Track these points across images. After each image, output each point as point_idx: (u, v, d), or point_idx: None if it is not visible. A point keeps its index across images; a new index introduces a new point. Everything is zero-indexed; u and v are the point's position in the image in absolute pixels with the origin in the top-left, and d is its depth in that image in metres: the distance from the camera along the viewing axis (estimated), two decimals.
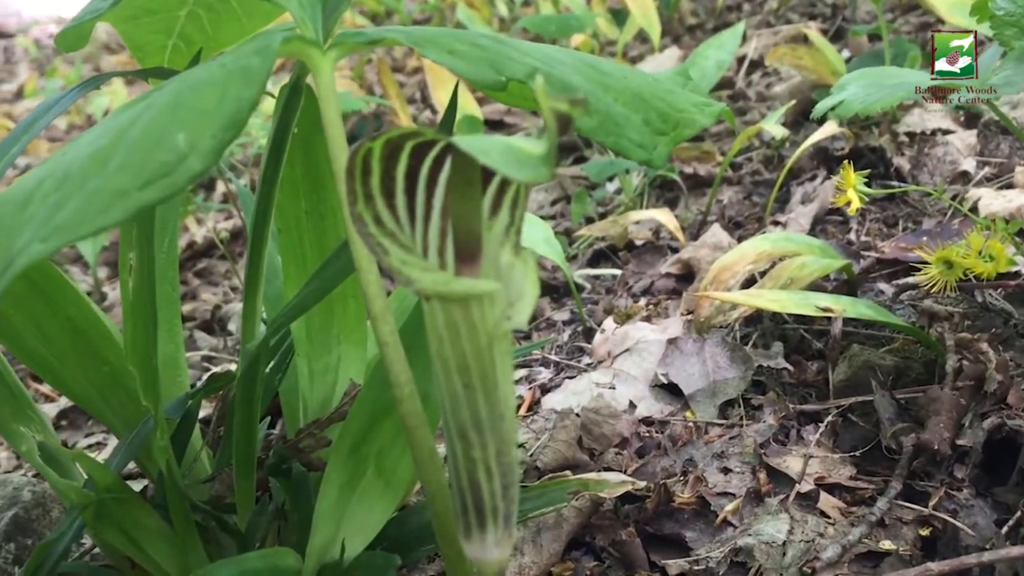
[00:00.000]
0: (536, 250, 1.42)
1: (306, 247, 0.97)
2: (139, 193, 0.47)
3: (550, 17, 2.82)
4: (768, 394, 1.24)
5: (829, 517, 0.99)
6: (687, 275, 1.68)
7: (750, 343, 1.36)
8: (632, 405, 1.30)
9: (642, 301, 1.64)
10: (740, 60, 2.70)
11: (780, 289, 1.27)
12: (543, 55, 0.66)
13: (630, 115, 0.63)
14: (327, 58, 0.64)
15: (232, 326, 2.05)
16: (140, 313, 0.79)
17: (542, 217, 1.91)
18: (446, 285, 0.51)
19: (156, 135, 0.49)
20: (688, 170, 2.13)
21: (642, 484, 1.06)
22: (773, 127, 1.92)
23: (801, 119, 2.15)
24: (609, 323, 1.54)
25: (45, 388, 1.84)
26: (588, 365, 1.47)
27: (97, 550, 1.08)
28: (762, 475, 1.07)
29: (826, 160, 1.95)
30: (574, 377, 1.42)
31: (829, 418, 1.15)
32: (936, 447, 0.99)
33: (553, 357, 1.53)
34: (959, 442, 1.01)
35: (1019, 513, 0.92)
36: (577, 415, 1.22)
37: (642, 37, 3.18)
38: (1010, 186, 1.58)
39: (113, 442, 1.55)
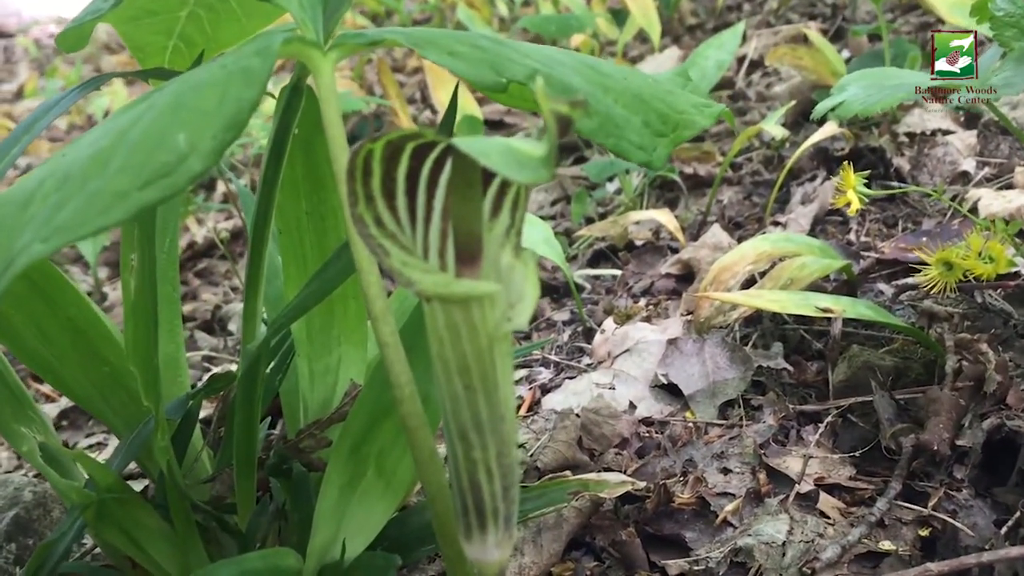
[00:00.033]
0: (536, 250, 1.42)
1: (307, 248, 0.97)
2: (140, 193, 0.47)
3: (550, 17, 2.82)
4: (768, 394, 1.24)
5: (829, 517, 0.99)
6: (687, 275, 1.68)
7: (750, 343, 1.36)
8: (632, 405, 1.30)
9: (642, 301, 1.64)
10: (740, 60, 2.70)
11: (780, 289, 1.28)
12: (543, 56, 0.66)
13: (630, 117, 0.63)
14: (328, 59, 0.64)
15: (232, 326, 2.05)
16: (141, 313, 0.79)
17: (542, 217, 1.91)
18: (447, 287, 0.51)
19: (157, 136, 0.49)
20: (688, 170, 2.13)
21: (642, 484, 1.06)
22: (773, 127, 1.92)
23: (801, 119, 2.15)
24: (609, 323, 1.54)
25: (46, 388, 1.84)
26: (588, 365, 1.47)
27: (98, 550, 1.08)
28: (762, 475, 1.07)
29: (826, 160, 1.95)
30: (574, 377, 1.42)
31: (829, 418, 1.15)
32: (935, 447, 1.00)
33: (553, 357, 1.53)
34: (958, 443, 1.01)
35: (1018, 513, 0.92)
36: (577, 415, 1.22)
37: (642, 37, 3.19)
38: (1010, 186, 1.58)
39: (114, 442, 1.55)
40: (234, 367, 1.56)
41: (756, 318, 1.41)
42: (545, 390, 1.42)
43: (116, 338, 0.91)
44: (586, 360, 1.50)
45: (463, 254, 0.54)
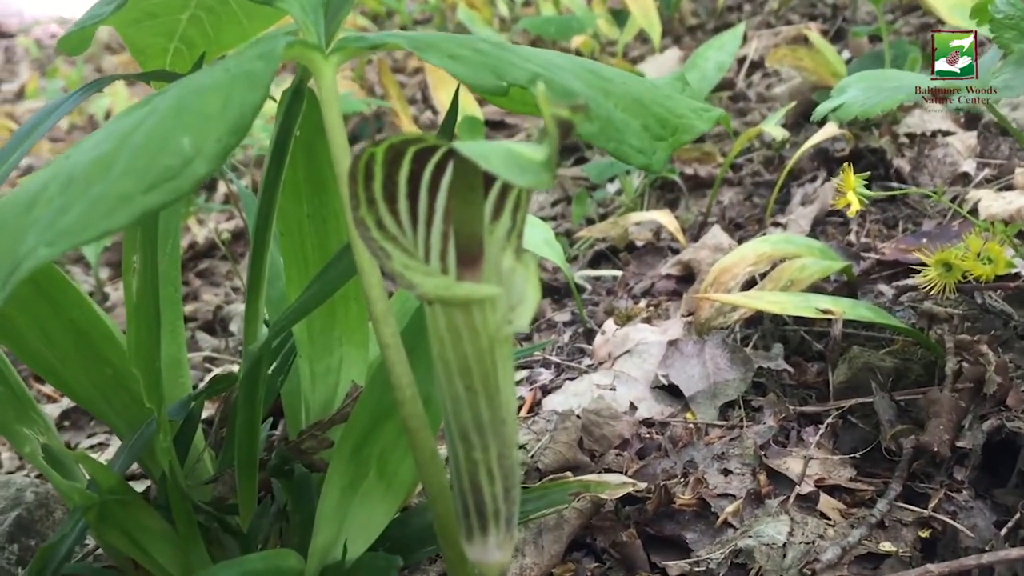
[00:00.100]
0: (537, 251, 1.43)
1: (308, 250, 0.98)
2: (143, 197, 0.47)
3: (551, 18, 2.82)
4: (768, 396, 1.24)
5: (829, 519, 0.99)
6: (687, 276, 1.69)
7: (750, 345, 1.36)
8: (633, 406, 1.31)
9: (643, 302, 1.64)
10: (740, 61, 2.70)
11: (780, 291, 1.28)
12: (544, 60, 0.66)
13: (630, 121, 0.64)
14: (329, 63, 0.64)
15: (234, 327, 2.05)
16: (144, 315, 0.79)
17: (543, 218, 1.91)
18: (448, 289, 0.51)
19: (160, 139, 0.50)
20: (689, 171, 2.13)
21: (643, 485, 1.06)
22: (773, 128, 1.93)
23: (801, 120, 2.15)
24: (610, 324, 1.54)
25: (47, 389, 1.84)
26: (589, 366, 1.47)
27: (100, 551, 1.08)
28: (762, 476, 1.07)
29: (826, 161, 1.95)
30: (575, 378, 1.42)
31: (829, 420, 1.15)
32: (936, 449, 1.00)
33: (554, 358, 1.53)
34: (959, 444, 1.01)
35: (1018, 515, 0.92)
36: (578, 416, 1.22)
37: (643, 37, 3.19)
38: (1010, 187, 1.58)
39: (115, 443, 1.55)
40: (236, 368, 1.56)
41: (756, 319, 1.41)
42: (546, 391, 1.42)
43: (118, 339, 0.91)
44: (587, 361, 1.50)
45: (464, 257, 0.54)
